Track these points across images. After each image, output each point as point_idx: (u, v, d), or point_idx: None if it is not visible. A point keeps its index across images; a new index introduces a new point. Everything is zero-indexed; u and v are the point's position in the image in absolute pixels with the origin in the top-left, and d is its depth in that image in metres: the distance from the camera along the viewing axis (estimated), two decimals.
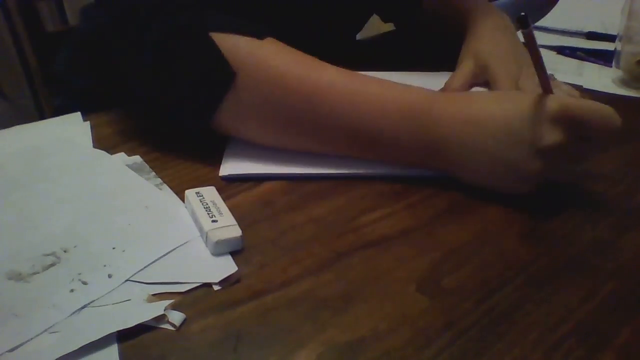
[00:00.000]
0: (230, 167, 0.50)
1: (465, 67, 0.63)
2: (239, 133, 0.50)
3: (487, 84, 0.62)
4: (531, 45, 0.43)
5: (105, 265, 0.39)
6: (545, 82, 0.44)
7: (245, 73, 0.46)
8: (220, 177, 0.49)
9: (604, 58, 0.77)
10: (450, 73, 0.65)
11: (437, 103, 0.46)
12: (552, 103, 0.43)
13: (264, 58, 0.47)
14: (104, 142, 0.55)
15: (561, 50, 0.81)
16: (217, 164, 0.51)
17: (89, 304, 0.36)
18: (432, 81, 0.70)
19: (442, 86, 0.63)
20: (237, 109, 0.48)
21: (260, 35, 0.48)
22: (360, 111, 0.46)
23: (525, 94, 0.47)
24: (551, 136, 0.42)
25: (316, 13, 0.67)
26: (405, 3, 0.78)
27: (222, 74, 0.46)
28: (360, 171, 0.49)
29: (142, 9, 0.48)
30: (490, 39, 0.62)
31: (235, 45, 0.46)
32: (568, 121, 0.42)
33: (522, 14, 0.41)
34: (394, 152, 0.47)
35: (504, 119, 0.44)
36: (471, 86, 0.62)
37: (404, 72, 0.66)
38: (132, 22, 0.49)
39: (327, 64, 0.48)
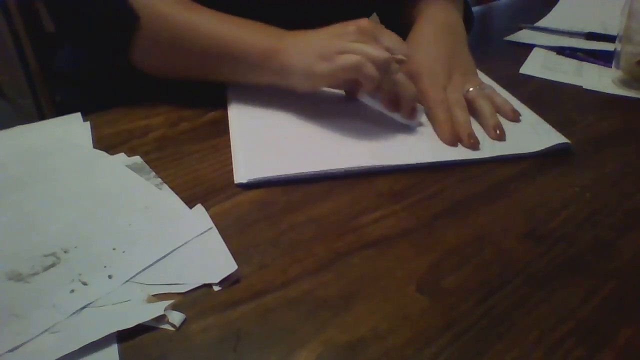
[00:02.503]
0: (245, 173, 0.49)
1: None
2: (149, 67, 0.61)
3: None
4: None
5: (105, 266, 0.39)
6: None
7: (147, 17, 0.57)
8: (236, 184, 0.48)
9: (604, 58, 0.77)
10: None
11: (283, 41, 0.56)
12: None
13: (159, 5, 0.57)
14: (104, 142, 0.55)
15: (561, 51, 0.81)
16: (217, 164, 0.51)
17: (89, 304, 0.36)
18: None
19: None
20: (144, 47, 0.59)
21: None
22: (231, 49, 0.57)
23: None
24: (335, 29, 0.55)
25: (316, 10, 0.69)
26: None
27: (128, 18, 0.57)
28: (380, 164, 0.50)
29: None
30: (425, 47, 0.63)
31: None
32: (362, 25, 0.53)
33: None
34: (252, 76, 0.59)
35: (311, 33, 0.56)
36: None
37: None
38: None
39: (212, 10, 0.58)
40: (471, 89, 0.59)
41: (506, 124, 0.56)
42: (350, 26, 0.54)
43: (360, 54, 0.52)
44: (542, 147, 0.52)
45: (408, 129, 0.56)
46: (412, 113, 0.56)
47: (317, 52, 0.54)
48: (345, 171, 0.49)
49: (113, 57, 0.61)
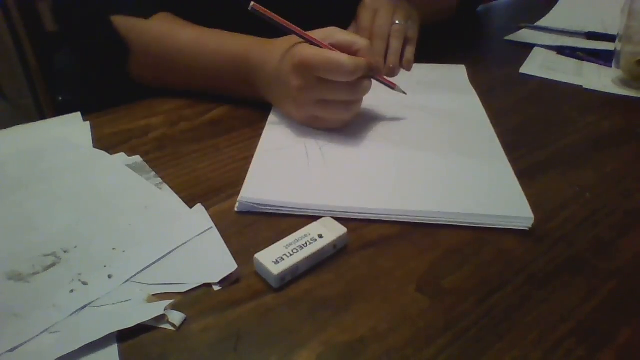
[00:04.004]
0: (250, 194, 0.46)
1: (352, 27, 0.71)
2: (150, 83, 0.66)
3: None
4: (269, 18, 0.52)
5: (105, 266, 0.39)
6: (303, 34, 0.53)
7: (136, 42, 0.63)
8: (237, 211, 0.45)
9: (604, 58, 0.77)
10: (447, 66, 0.72)
11: (251, 52, 0.58)
12: (296, 53, 0.51)
13: (143, 29, 0.63)
14: (104, 142, 0.55)
15: (561, 50, 0.81)
16: (217, 164, 0.51)
17: (89, 304, 0.36)
18: (429, 73, 0.71)
19: (438, 78, 0.71)
20: (138, 68, 0.65)
21: (147, 14, 0.63)
22: (205, 61, 0.61)
23: (292, 42, 0.54)
24: (293, 81, 0.52)
25: (316, 7, 0.70)
26: None
27: (121, 45, 0.63)
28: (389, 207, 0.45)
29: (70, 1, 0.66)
30: None
31: (125, 25, 0.63)
32: (305, 69, 0.51)
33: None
34: (228, 85, 0.62)
35: (273, 66, 0.55)
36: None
37: None
38: (62, 13, 0.69)
39: (193, 25, 0.63)
40: (397, 22, 0.65)
41: (480, 183, 0.48)
42: (294, 81, 0.53)
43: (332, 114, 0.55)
44: (501, 214, 0.44)
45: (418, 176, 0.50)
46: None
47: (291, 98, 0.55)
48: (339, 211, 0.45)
49: (115, 75, 0.66)
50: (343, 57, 0.50)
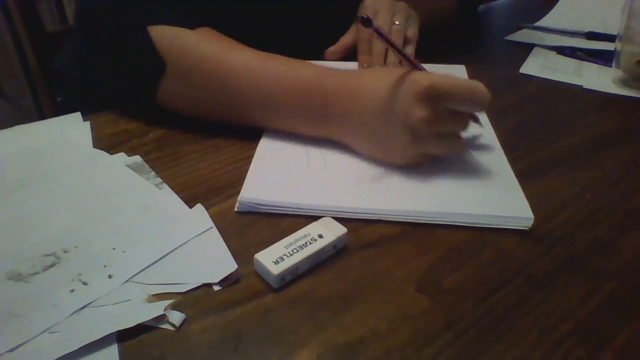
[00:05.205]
0: (250, 194, 0.46)
1: (350, 32, 0.71)
2: (177, 108, 0.57)
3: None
4: (385, 39, 0.49)
5: (105, 266, 0.39)
6: (413, 62, 0.50)
7: (174, 61, 0.53)
8: (237, 211, 0.45)
9: (604, 58, 0.77)
10: (447, 66, 0.71)
11: (327, 78, 0.51)
12: (421, 80, 0.45)
13: (188, 46, 0.54)
14: (104, 142, 0.55)
15: (561, 50, 0.81)
16: (217, 164, 0.51)
17: (89, 304, 0.36)
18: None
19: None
20: (171, 90, 0.55)
21: (191, 26, 0.54)
22: (266, 89, 0.52)
23: (400, 71, 0.48)
24: (418, 112, 0.45)
25: (316, 8, 0.70)
26: None
27: (155, 64, 0.54)
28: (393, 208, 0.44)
29: (99, 8, 0.56)
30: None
31: (166, 36, 0.54)
32: (435, 97, 0.45)
33: (364, 15, 0.47)
34: (292, 122, 0.53)
35: (377, 96, 0.48)
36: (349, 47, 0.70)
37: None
38: (90, 21, 0.58)
39: (244, 47, 0.54)
40: (397, 22, 0.65)
41: (480, 183, 0.48)
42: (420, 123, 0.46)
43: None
44: (501, 214, 0.44)
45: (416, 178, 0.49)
46: None
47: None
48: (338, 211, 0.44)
49: (139, 100, 0.59)
50: (481, 85, 0.45)
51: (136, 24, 0.54)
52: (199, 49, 0.53)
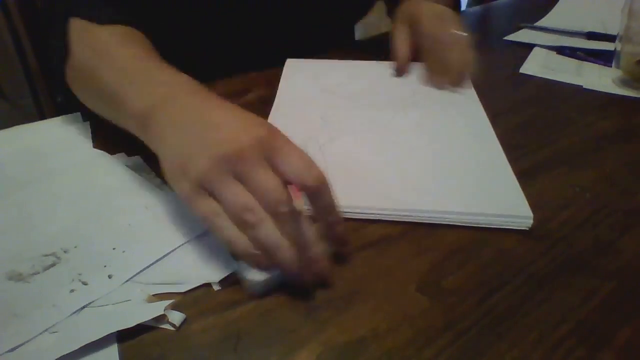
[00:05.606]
0: None
1: (402, 32, 0.71)
2: (80, 98, 0.57)
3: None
4: None
5: (105, 266, 0.39)
6: None
7: (77, 50, 0.55)
8: None
9: (604, 58, 0.77)
10: None
11: (156, 113, 0.44)
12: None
13: (91, 37, 0.55)
14: (104, 142, 0.55)
15: (561, 50, 0.81)
16: None
17: (89, 304, 0.36)
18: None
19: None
20: (71, 78, 0.57)
21: (102, 21, 0.56)
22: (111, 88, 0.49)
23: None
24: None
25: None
26: None
27: (64, 51, 0.56)
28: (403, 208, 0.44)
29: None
30: (421, 5, 0.71)
31: (80, 27, 0.56)
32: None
33: None
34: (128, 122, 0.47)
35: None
36: (412, 47, 0.70)
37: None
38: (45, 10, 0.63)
39: (129, 49, 0.52)
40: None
41: (480, 183, 0.48)
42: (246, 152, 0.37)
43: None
44: (501, 214, 0.44)
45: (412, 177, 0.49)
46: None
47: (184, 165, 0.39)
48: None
49: (57, 82, 0.59)
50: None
51: (64, 14, 0.58)
52: (93, 39, 0.55)
